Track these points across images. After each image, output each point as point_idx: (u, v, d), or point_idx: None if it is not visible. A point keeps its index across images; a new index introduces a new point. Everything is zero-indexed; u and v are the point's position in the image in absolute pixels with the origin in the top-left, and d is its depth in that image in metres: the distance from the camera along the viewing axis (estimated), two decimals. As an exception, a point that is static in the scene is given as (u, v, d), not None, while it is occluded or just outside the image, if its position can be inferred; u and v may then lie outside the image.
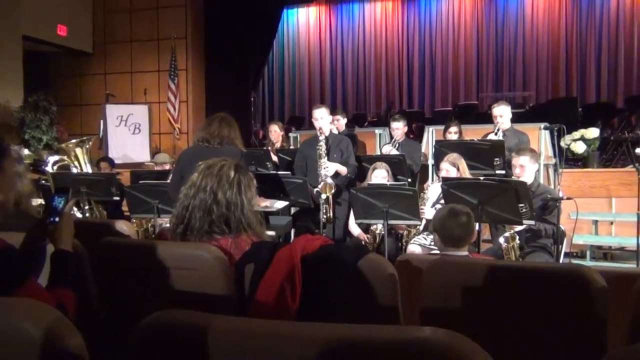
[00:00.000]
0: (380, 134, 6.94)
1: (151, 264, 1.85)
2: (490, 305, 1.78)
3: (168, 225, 2.08)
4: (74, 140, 5.83)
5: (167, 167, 6.61)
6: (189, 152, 3.88)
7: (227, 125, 3.60)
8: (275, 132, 6.36)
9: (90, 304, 1.90)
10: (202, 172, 1.98)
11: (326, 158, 4.71)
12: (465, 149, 4.76)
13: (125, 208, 5.88)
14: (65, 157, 5.70)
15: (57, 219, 1.59)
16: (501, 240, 3.89)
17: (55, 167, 5.58)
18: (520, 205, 3.54)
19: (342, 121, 6.24)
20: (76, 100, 9.90)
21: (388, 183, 4.41)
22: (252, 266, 1.78)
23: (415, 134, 8.76)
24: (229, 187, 1.96)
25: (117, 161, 7.37)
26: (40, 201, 4.20)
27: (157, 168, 6.78)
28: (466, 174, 4.32)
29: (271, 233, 3.67)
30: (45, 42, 9.06)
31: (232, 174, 1.98)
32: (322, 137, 4.74)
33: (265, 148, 6.13)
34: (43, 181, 5.38)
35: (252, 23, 9.34)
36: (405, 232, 4.48)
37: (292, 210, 5.16)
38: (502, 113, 5.25)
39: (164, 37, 9.41)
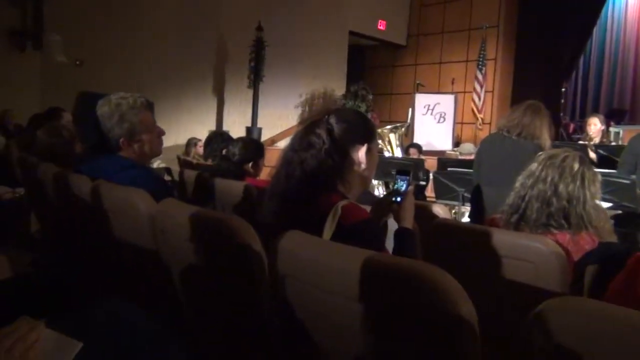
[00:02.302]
0: None
1: (482, 249, 1.87)
2: None
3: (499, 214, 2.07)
4: (389, 126, 6.31)
5: (472, 157, 6.61)
6: (487, 139, 3.79)
7: (531, 112, 3.27)
8: (595, 125, 5.78)
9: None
10: (543, 162, 1.91)
11: (666, 155, 4.06)
12: None
13: (427, 193, 6.13)
14: (380, 142, 6.20)
15: (399, 199, 1.73)
16: None
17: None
18: None
19: None
20: (387, 89, 10.68)
21: None
22: (595, 267, 1.66)
23: None
24: (571, 180, 1.85)
25: (421, 148, 7.73)
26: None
27: (460, 157, 6.85)
28: None
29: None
30: (367, 37, 10.00)
31: (576, 166, 1.87)
32: (661, 132, 4.10)
33: (581, 142, 5.62)
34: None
35: (572, 8, 8.61)
36: None
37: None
38: None
39: (475, 26, 9.42)
